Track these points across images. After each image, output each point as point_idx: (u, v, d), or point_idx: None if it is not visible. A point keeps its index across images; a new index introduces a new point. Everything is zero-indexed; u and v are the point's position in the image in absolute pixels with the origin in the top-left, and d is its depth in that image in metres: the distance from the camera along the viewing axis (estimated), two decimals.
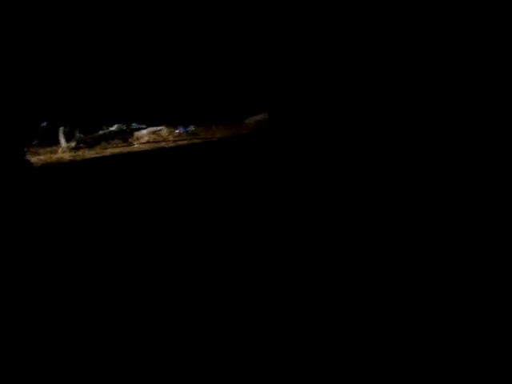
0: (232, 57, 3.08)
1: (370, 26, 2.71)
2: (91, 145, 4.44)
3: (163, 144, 4.16)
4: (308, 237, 2.17)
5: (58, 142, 4.48)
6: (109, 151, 4.15)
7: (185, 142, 4.15)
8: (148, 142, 4.33)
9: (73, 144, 4.47)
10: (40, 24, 2.71)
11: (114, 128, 4.56)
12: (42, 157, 4.11)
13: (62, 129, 4.54)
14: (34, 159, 3.84)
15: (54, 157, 4.11)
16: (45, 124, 4.45)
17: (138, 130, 4.54)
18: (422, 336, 1.41)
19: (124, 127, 4.54)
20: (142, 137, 4.46)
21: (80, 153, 4.21)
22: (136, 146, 4.25)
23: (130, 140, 4.47)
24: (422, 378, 1.25)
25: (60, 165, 3.78)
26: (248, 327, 1.54)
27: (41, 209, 2.73)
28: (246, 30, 2.92)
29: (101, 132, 4.57)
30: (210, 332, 1.54)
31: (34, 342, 1.57)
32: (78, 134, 4.58)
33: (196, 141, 4.09)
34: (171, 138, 4.32)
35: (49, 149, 4.37)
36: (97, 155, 4.02)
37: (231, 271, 1.94)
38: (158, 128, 4.47)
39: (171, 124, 4.45)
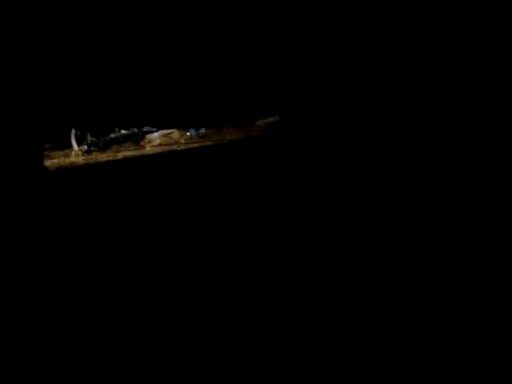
0: (243, 60, 3.10)
1: (384, 31, 2.72)
2: (103, 148, 4.46)
3: (175, 146, 4.18)
4: (317, 238, 2.19)
5: (70, 146, 4.51)
6: (121, 154, 4.18)
7: (196, 144, 4.17)
8: (160, 144, 4.36)
9: (84, 147, 4.50)
10: (52, 31, 2.75)
11: (125, 131, 4.59)
12: (55, 160, 4.15)
13: (73, 132, 4.57)
14: (47, 163, 3.88)
15: (68, 160, 4.15)
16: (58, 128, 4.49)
17: (150, 132, 4.56)
18: (421, 335, 1.42)
19: (136, 130, 4.56)
20: (153, 140, 4.48)
21: (93, 156, 4.24)
22: (148, 149, 4.28)
23: (141, 143, 4.49)
24: (421, 378, 1.26)
25: (74, 168, 3.82)
26: (249, 327, 1.55)
27: (58, 212, 2.76)
28: (259, 34, 2.94)
29: (112, 135, 4.59)
30: (209, 331, 1.55)
31: (34, 341, 1.58)
32: (89, 138, 4.61)
33: (207, 143, 4.11)
34: (183, 141, 4.34)
35: (61, 152, 4.41)
36: (110, 158, 4.05)
37: (241, 272, 1.95)
38: (170, 131, 4.49)
39: (182, 127, 4.47)
